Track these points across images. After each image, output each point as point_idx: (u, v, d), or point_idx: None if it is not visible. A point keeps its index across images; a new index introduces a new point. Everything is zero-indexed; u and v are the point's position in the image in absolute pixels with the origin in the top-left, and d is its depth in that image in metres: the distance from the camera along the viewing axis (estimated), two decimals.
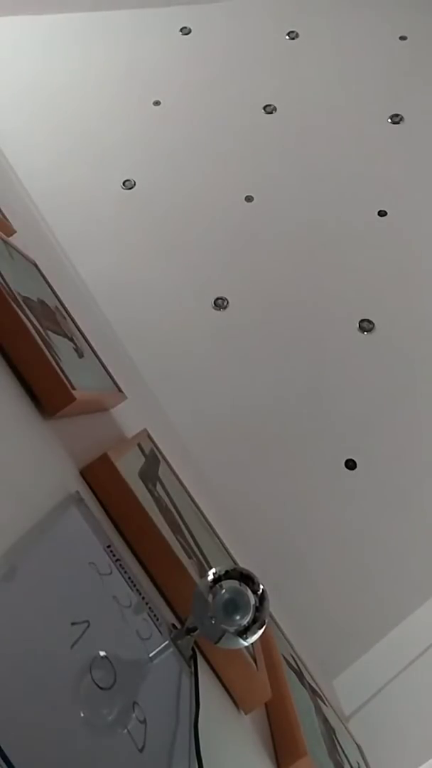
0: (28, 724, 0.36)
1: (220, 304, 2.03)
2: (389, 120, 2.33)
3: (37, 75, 2.44)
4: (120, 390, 1.14)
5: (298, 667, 1.15)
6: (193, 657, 0.64)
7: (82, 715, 0.41)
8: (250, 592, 0.56)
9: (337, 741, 1.05)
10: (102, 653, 0.47)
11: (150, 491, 0.87)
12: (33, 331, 0.74)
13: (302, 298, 2.03)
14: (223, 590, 0.56)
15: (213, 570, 0.58)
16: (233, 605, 0.55)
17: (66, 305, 1.19)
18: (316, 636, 1.55)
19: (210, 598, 0.56)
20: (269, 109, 2.39)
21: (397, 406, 1.87)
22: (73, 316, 1.18)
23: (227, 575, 0.57)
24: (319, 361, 1.94)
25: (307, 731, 0.84)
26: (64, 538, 0.56)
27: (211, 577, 0.57)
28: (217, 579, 0.57)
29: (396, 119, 2.33)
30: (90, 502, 0.68)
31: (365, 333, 1.96)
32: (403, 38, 2.50)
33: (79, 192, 2.21)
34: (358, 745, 1.24)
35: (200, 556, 0.91)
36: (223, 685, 0.74)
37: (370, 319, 1.97)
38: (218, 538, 1.18)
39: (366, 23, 2.54)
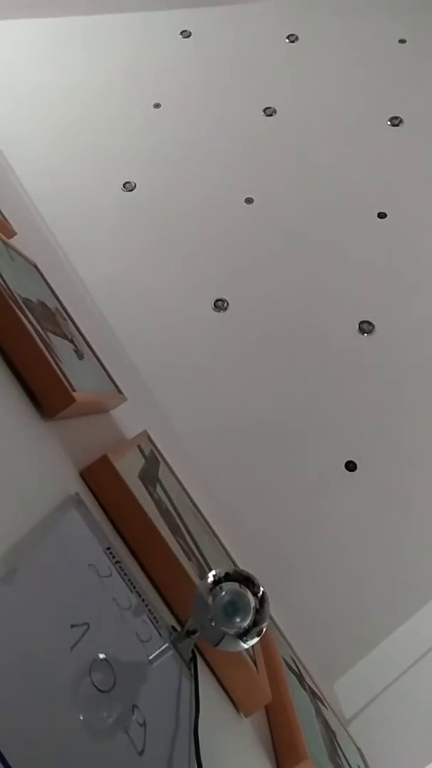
0: (27, 726, 0.36)
1: (219, 305, 2.03)
2: (389, 122, 2.33)
3: (37, 77, 2.44)
4: (120, 391, 1.14)
5: (299, 669, 1.15)
6: (193, 659, 0.64)
7: (81, 717, 0.41)
8: (250, 594, 0.56)
9: (338, 744, 1.05)
10: (101, 656, 0.47)
11: (150, 493, 0.86)
12: (33, 333, 0.74)
13: (302, 299, 2.03)
14: (223, 592, 0.56)
15: (213, 572, 0.57)
16: (233, 607, 0.55)
17: (66, 306, 1.19)
18: (317, 639, 1.55)
19: (210, 600, 0.55)
20: (269, 112, 2.39)
21: (397, 408, 1.87)
22: (73, 318, 1.18)
23: (227, 577, 0.57)
24: (318, 362, 1.94)
25: (308, 734, 0.84)
26: (64, 540, 0.56)
27: (211, 579, 0.57)
28: (217, 581, 0.56)
29: (395, 122, 2.33)
30: (90, 504, 0.68)
31: (365, 335, 1.96)
32: (402, 41, 2.50)
33: (80, 193, 2.22)
34: (358, 749, 1.23)
35: (200, 558, 0.90)
36: (223, 688, 0.74)
37: (370, 320, 1.97)
38: (218, 539, 1.18)
39: (365, 26, 2.55)
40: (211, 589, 0.56)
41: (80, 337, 1.15)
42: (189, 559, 0.82)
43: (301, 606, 1.57)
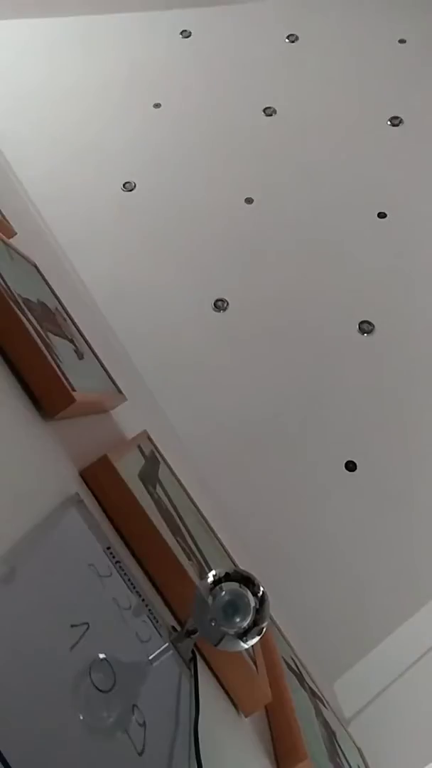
0: (26, 726, 0.36)
1: (220, 305, 2.03)
2: (389, 122, 2.33)
3: (37, 77, 2.44)
4: (120, 391, 1.14)
5: (299, 669, 1.15)
6: (193, 659, 0.64)
7: (81, 717, 0.41)
8: (250, 594, 0.56)
9: (338, 744, 1.05)
10: (101, 656, 0.47)
11: (150, 493, 0.86)
12: (33, 333, 0.74)
13: (302, 299, 2.03)
14: (223, 592, 0.56)
15: (213, 572, 0.57)
16: (233, 607, 0.55)
17: (66, 306, 1.19)
18: (317, 638, 1.55)
19: (210, 600, 0.55)
20: (269, 112, 2.39)
21: (397, 408, 1.87)
22: (73, 318, 1.18)
23: (227, 577, 0.57)
24: (318, 362, 1.94)
25: (308, 734, 0.84)
26: (64, 540, 0.56)
27: (211, 579, 0.57)
28: (218, 581, 0.56)
29: (395, 122, 2.33)
30: (90, 504, 0.68)
31: (365, 335, 1.96)
32: (402, 41, 2.51)
33: (80, 194, 2.22)
34: (358, 749, 1.23)
35: (200, 558, 0.90)
36: (223, 688, 0.74)
37: (370, 320, 1.97)
38: (218, 539, 1.18)
39: (365, 26, 2.55)
40: (211, 589, 0.56)
41: (80, 337, 1.15)
42: (189, 559, 0.82)
43: (301, 606, 1.57)
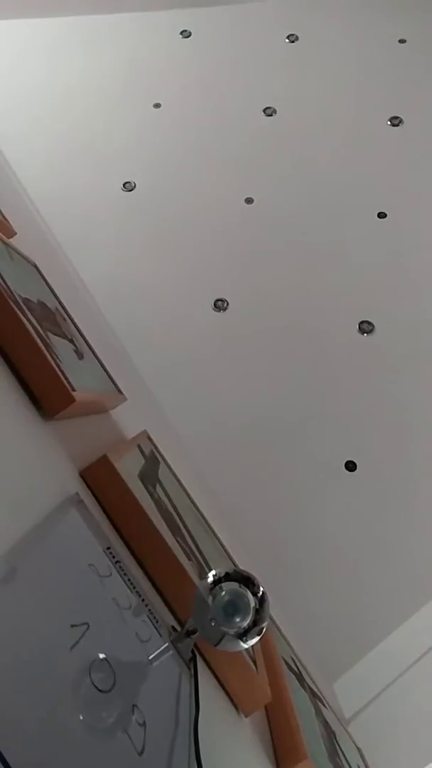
0: (26, 726, 0.36)
1: (220, 305, 2.03)
2: (389, 122, 2.33)
3: (37, 77, 2.44)
4: (120, 391, 1.14)
5: (299, 669, 1.15)
6: (193, 659, 0.64)
7: (81, 717, 0.41)
8: (250, 594, 0.56)
9: (338, 744, 1.05)
10: (101, 656, 0.47)
11: (150, 493, 0.86)
12: (33, 333, 0.74)
13: (302, 299, 2.03)
14: (223, 592, 0.56)
15: (213, 572, 0.57)
16: (233, 607, 0.55)
17: (66, 306, 1.19)
18: (317, 638, 1.55)
19: (210, 600, 0.55)
20: (269, 112, 2.39)
21: (397, 408, 1.87)
22: (73, 318, 1.18)
23: (227, 577, 0.57)
24: (318, 362, 1.94)
25: (308, 734, 0.84)
26: (64, 540, 0.56)
27: (211, 578, 0.57)
28: (217, 581, 0.56)
29: (395, 122, 2.33)
30: (90, 504, 0.68)
31: (365, 335, 1.96)
32: (402, 41, 2.50)
33: (80, 193, 2.22)
34: (358, 749, 1.23)
35: (200, 558, 0.90)
36: (223, 688, 0.74)
37: (370, 320, 1.97)
38: (218, 539, 1.18)
39: (365, 26, 2.55)
40: (211, 589, 0.56)
41: (80, 337, 1.15)
42: (189, 559, 0.82)
43: (301, 606, 1.57)
